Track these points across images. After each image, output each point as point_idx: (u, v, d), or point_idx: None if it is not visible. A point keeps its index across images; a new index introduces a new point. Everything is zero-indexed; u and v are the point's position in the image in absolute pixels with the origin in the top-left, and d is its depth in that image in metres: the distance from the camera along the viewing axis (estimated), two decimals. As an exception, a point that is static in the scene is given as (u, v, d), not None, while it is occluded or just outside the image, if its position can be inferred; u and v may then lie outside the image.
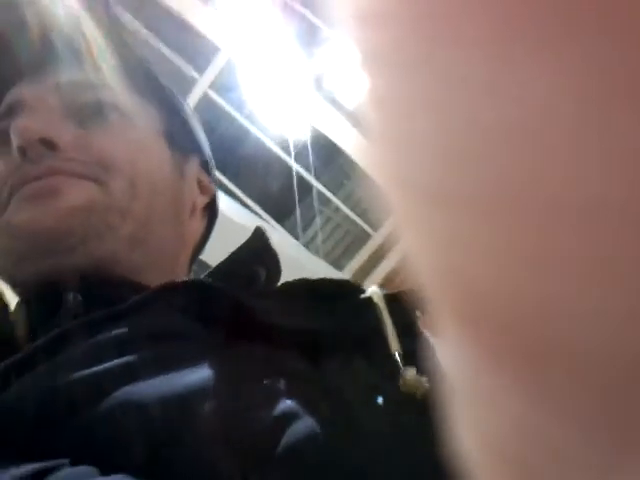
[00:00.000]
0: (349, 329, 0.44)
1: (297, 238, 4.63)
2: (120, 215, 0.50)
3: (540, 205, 0.08)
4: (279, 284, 0.52)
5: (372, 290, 0.46)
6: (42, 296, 0.47)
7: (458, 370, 0.10)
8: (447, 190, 0.09)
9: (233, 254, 0.53)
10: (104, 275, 0.49)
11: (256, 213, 4.33)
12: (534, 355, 0.09)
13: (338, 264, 4.83)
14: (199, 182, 0.60)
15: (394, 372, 0.40)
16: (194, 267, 0.61)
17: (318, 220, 4.84)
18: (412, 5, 0.08)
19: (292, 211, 4.65)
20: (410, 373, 0.38)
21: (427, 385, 0.38)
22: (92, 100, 0.53)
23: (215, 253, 0.63)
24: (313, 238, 4.91)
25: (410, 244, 0.10)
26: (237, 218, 3.54)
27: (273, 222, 4.53)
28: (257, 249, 0.54)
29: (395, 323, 0.42)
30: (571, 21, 0.07)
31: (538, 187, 0.08)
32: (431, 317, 0.10)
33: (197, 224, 0.60)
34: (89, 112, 0.53)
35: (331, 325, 0.44)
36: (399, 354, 0.40)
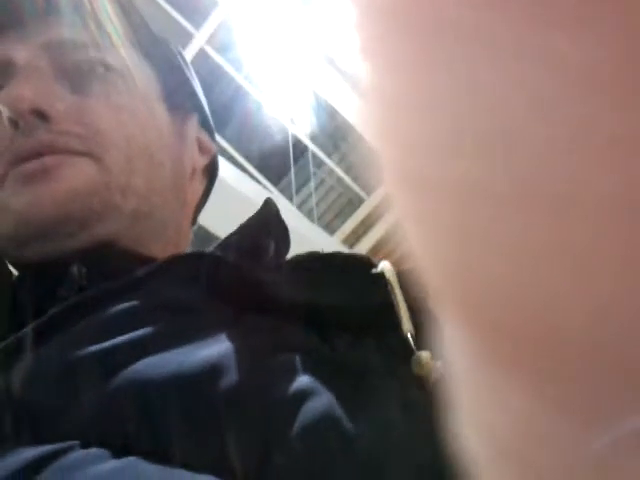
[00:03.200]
0: (360, 305, 0.42)
1: (291, 199, 4.62)
2: (121, 192, 0.48)
3: (557, 199, 0.08)
4: (289, 257, 0.51)
5: (384, 265, 0.44)
6: (45, 270, 0.46)
7: (461, 366, 0.10)
8: (456, 184, 0.09)
9: (242, 226, 0.51)
10: (108, 249, 0.48)
11: (250, 173, 4.30)
12: (538, 351, 0.09)
13: (330, 227, 4.83)
14: (199, 142, 0.59)
15: (406, 353, 0.38)
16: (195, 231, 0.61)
17: (312, 182, 4.82)
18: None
19: (286, 172, 4.63)
20: (424, 356, 0.37)
21: (440, 369, 0.36)
22: (86, 61, 0.51)
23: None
24: (306, 200, 4.89)
25: (415, 239, 0.10)
26: (229, 179, 3.52)
27: (267, 182, 4.51)
28: (266, 221, 0.51)
29: (407, 300, 0.41)
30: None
31: (562, 180, 0.08)
32: (435, 311, 0.10)
33: (197, 186, 0.58)
34: (82, 74, 0.50)
35: (341, 300, 0.42)
36: (411, 335, 0.39)
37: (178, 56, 0.59)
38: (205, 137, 0.60)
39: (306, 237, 3.56)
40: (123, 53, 0.52)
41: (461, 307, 0.09)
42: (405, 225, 0.10)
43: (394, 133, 0.09)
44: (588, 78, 0.07)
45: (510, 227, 0.08)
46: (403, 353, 0.39)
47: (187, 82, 0.59)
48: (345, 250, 4.41)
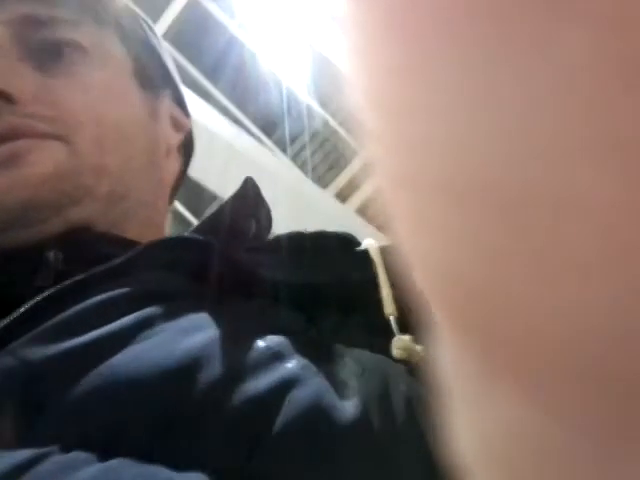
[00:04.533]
0: (343, 285, 0.42)
1: (284, 151, 4.59)
2: (93, 174, 0.47)
3: (558, 203, 0.08)
4: (271, 237, 0.49)
5: (368, 243, 0.43)
6: (20, 257, 0.45)
7: (451, 371, 0.10)
8: (454, 188, 0.08)
9: (221, 207, 0.49)
10: (84, 233, 0.46)
11: (243, 125, 4.26)
12: (529, 358, 0.09)
13: (324, 179, 4.81)
14: (172, 119, 0.57)
15: (389, 336, 0.37)
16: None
17: (306, 134, 4.79)
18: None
19: (280, 123, 4.59)
20: (405, 340, 0.37)
21: (421, 353, 0.36)
22: (51, 38, 0.48)
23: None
24: (300, 151, 4.86)
25: (413, 245, 0.09)
26: (213, 127, 3.49)
27: (260, 133, 4.48)
28: (246, 201, 0.50)
29: (391, 279, 0.40)
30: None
31: (557, 183, 0.08)
32: (427, 318, 0.10)
33: (173, 164, 0.57)
34: (48, 53, 0.48)
35: (325, 280, 0.42)
36: (394, 318, 0.38)
37: (149, 31, 0.57)
38: (179, 113, 0.58)
39: (300, 191, 3.55)
40: (91, 30, 0.50)
41: (461, 314, 0.09)
42: (402, 230, 0.09)
43: (396, 136, 0.09)
44: (598, 75, 0.07)
45: (526, 236, 0.08)
46: (386, 334, 0.38)
47: (159, 58, 0.57)
48: (339, 203, 4.41)
